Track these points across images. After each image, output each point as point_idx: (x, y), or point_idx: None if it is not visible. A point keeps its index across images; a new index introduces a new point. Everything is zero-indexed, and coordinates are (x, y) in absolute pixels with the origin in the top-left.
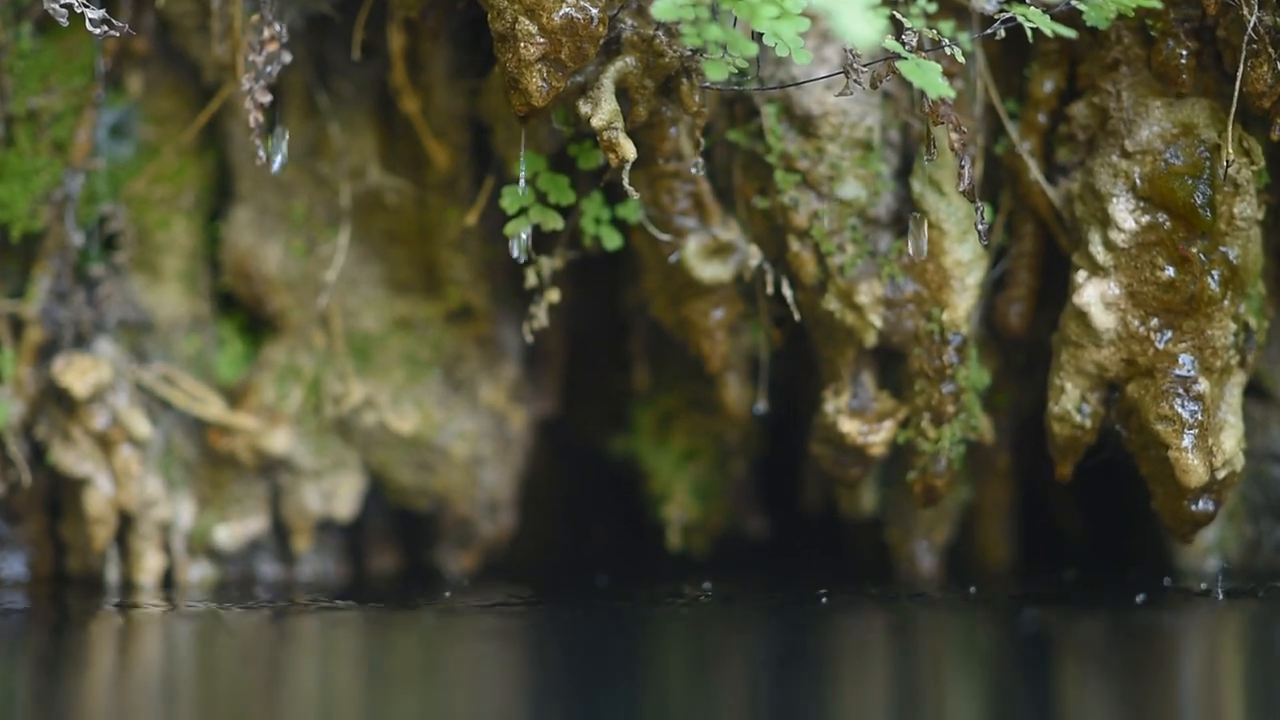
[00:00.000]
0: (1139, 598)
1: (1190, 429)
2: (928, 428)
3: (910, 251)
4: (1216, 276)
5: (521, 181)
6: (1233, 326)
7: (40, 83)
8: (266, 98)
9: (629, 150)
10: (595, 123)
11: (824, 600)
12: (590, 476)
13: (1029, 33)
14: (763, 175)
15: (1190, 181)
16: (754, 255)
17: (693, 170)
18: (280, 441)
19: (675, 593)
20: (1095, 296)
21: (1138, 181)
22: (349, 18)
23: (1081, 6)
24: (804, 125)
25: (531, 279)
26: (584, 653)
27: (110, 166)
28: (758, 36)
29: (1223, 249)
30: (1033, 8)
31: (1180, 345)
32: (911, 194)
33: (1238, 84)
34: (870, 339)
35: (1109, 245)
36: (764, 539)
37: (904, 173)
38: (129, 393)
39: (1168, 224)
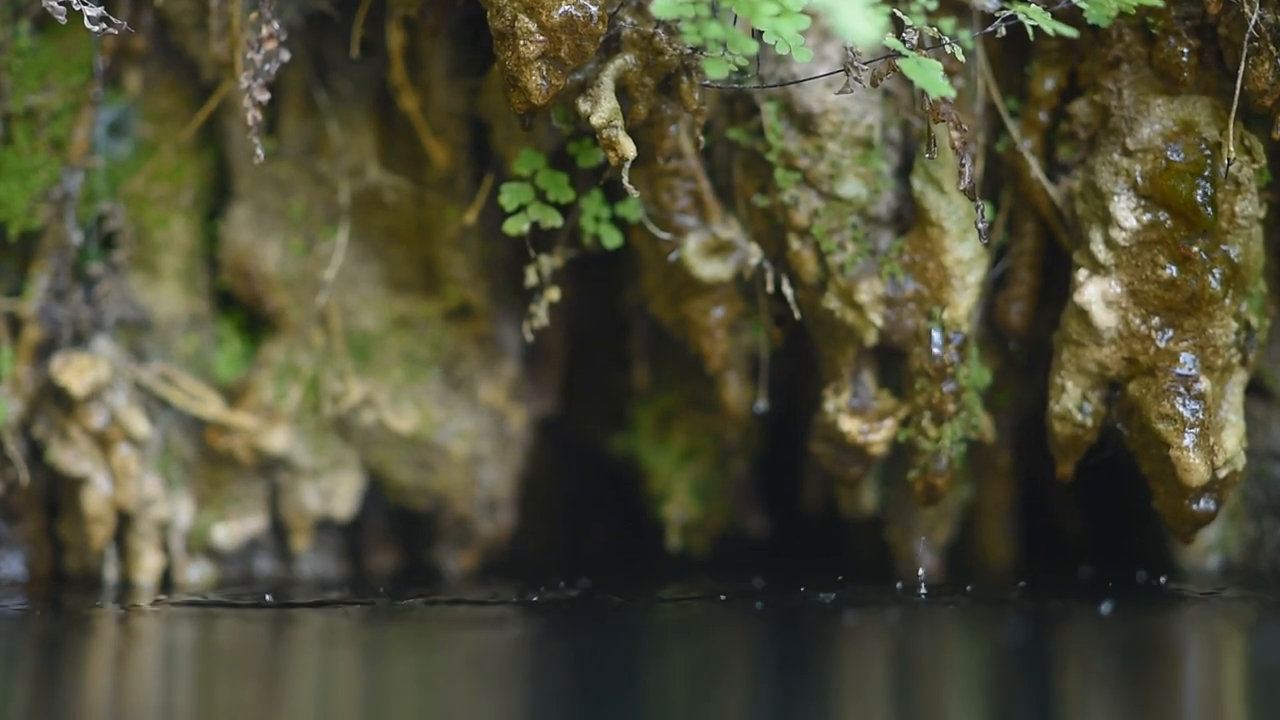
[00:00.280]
0: (1103, 607)
1: (1191, 428)
2: (928, 426)
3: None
4: (1218, 275)
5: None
6: (1234, 325)
7: (38, 80)
8: (265, 96)
9: (629, 148)
10: (595, 121)
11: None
12: (590, 475)
13: (1030, 31)
14: (763, 173)
15: (1191, 180)
16: (754, 254)
17: (691, 164)
18: (279, 440)
19: (663, 597)
20: (1096, 295)
21: (1139, 180)
22: (348, 16)
23: (1082, 4)
24: (804, 123)
25: (531, 277)
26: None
27: (108, 165)
28: (758, 34)
29: (1224, 247)
30: (1034, 5)
31: (1181, 344)
32: (912, 192)
33: (1239, 82)
34: (871, 338)
35: (1110, 243)
36: (764, 538)
37: (904, 171)
38: (127, 391)
39: (1169, 222)
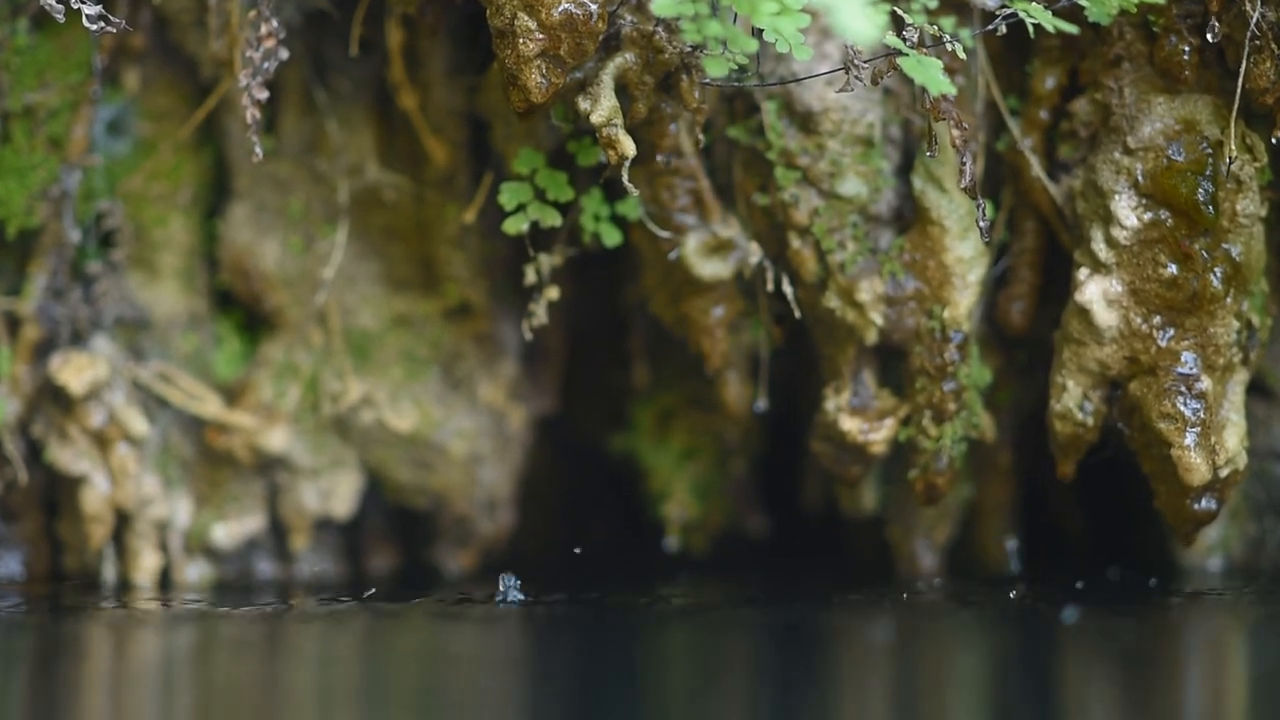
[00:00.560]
0: (1066, 614)
1: (1192, 427)
2: (929, 426)
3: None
4: (1219, 274)
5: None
6: (1235, 324)
7: (37, 79)
8: (264, 94)
9: (628, 147)
10: (595, 119)
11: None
12: (589, 475)
13: (1030, 29)
14: (763, 172)
15: (1193, 178)
16: (754, 252)
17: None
18: (278, 440)
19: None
20: (1097, 294)
21: (1140, 178)
22: (347, 14)
23: (1083, 2)
24: (804, 122)
25: (530, 276)
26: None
27: (107, 163)
28: (758, 33)
29: (1225, 246)
30: (1034, 3)
31: (1183, 343)
32: (913, 191)
33: (1240, 80)
34: (871, 337)
35: (1111, 242)
36: (764, 538)
37: (905, 169)
38: (126, 391)
39: (1170, 221)
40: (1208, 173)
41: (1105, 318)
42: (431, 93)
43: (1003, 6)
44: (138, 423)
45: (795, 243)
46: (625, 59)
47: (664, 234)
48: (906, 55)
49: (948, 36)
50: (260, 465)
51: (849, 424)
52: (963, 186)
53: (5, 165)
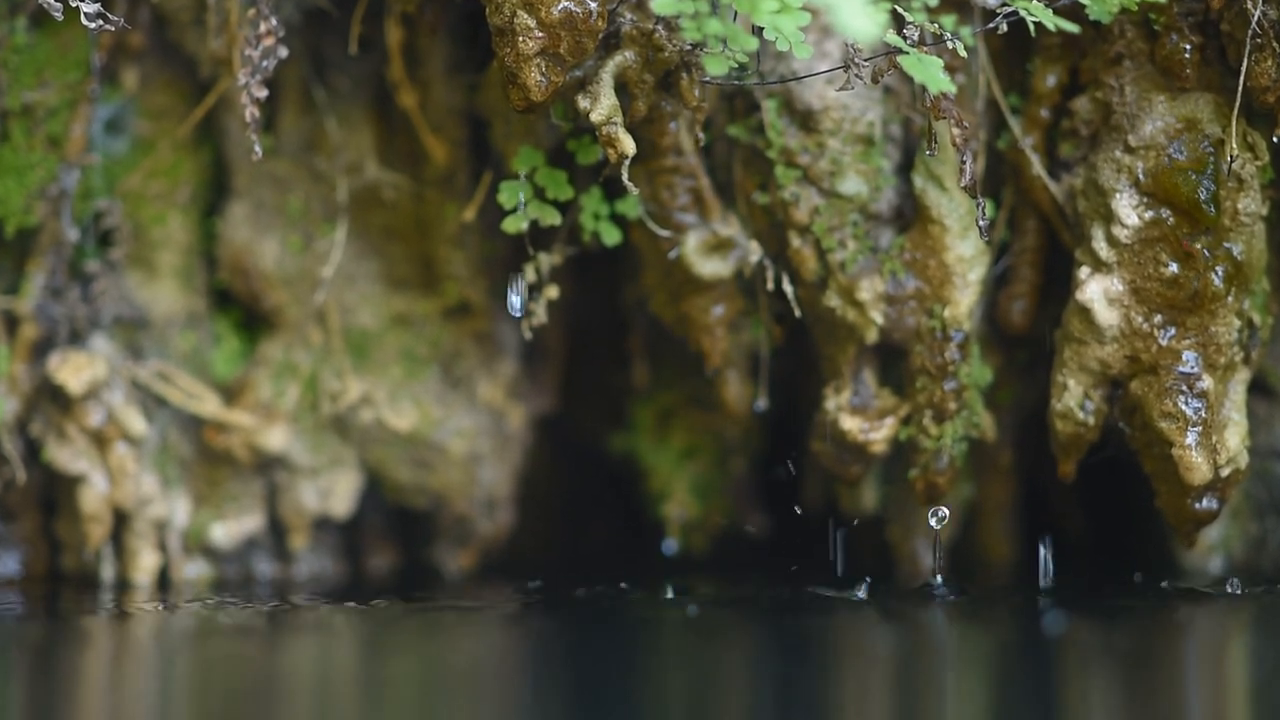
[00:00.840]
0: (1048, 620)
1: (1194, 426)
2: (929, 425)
3: None
4: (1220, 272)
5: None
6: (1237, 323)
7: (35, 77)
8: (263, 93)
9: (628, 145)
10: (594, 118)
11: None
12: (589, 474)
13: (1031, 27)
14: (763, 170)
15: (1194, 177)
16: (754, 251)
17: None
18: (277, 439)
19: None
20: (1098, 293)
21: (1141, 177)
22: (346, 12)
23: (1084, 0)
24: (805, 120)
25: (530, 275)
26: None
27: (105, 162)
28: (758, 31)
29: (1227, 245)
30: (1035, 2)
31: (1184, 342)
32: (913, 189)
33: (1241, 79)
34: (871, 336)
35: (1112, 241)
36: (764, 537)
37: (905, 168)
38: (124, 390)
39: (1171, 220)
40: (1209, 171)
41: (1106, 317)
42: (431, 91)
43: (1004, 4)
44: (136, 422)
45: (795, 241)
46: (625, 57)
47: (664, 233)
48: (907, 53)
49: (948, 35)
50: (259, 464)
51: (849, 423)
52: (963, 185)
53: (3, 164)
